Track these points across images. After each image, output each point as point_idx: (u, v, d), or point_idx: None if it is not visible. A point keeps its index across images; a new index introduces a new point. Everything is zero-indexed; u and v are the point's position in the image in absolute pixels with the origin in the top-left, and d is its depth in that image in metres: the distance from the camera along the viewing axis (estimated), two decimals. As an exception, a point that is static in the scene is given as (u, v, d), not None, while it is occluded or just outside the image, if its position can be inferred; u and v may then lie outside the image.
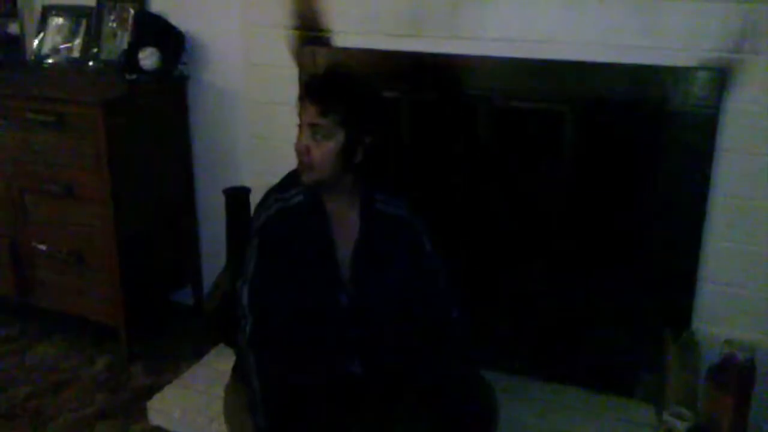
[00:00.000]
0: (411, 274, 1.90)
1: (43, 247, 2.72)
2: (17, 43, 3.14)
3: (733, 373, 2.04)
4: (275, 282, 1.82)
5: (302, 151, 1.79)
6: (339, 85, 1.81)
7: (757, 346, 2.10)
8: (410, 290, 1.89)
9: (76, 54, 2.98)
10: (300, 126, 1.81)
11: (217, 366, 2.53)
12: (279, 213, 1.83)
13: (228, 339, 2.54)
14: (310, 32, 2.45)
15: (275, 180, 2.64)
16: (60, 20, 3.03)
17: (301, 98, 1.81)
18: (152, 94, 2.69)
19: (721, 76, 2.01)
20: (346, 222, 1.87)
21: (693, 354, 2.14)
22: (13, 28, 3.13)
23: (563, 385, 2.40)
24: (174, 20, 2.76)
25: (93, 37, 2.94)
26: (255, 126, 2.63)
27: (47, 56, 3.04)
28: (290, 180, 1.90)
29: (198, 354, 2.64)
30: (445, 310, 1.90)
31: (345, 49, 2.41)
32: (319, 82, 1.82)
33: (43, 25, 3.05)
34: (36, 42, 3.07)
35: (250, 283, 1.82)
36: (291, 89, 2.48)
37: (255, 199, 2.59)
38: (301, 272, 1.83)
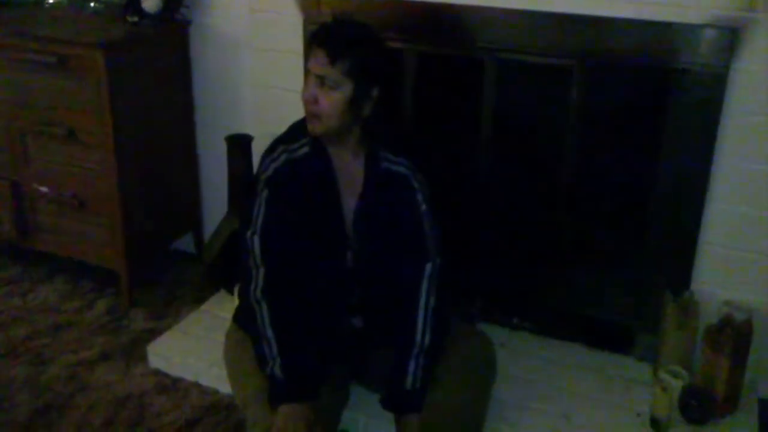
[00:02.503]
0: (407, 230, 1.90)
1: (44, 189, 2.71)
2: (18, -19, 3.08)
3: (730, 334, 2.05)
4: (285, 233, 1.82)
5: (309, 101, 1.77)
6: (348, 32, 1.78)
7: (755, 308, 2.11)
8: (403, 243, 1.90)
9: (77, -6, 2.92)
10: (307, 75, 1.78)
11: (217, 312, 2.55)
12: (286, 163, 1.82)
13: (228, 286, 2.56)
14: (315, -22, 2.40)
15: (278, 128, 2.61)
16: (61, -41, 2.96)
17: (310, 45, 1.78)
18: (154, 38, 2.65)
19: (732, 36, 1.96)
20: (350, 176, 1.87)
21: (692, 314, 2.15)
22: (14, -34, 3.07)
23: (562, 341, 2.42)
24: (177, -38, 2.70)
25: (95, -22, 2.88)
26: (258, 73, 2.59)
27: (48, -5, 2.98)
28: (297, 131, 1.88)
29: (198, 300, 2.66)
30: (429, 257, 1.91)
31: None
32: (327, 29, 1.79)
33: (44, -37, 2.99)
34: (37, -19, 3.01)
35: (261, 234, 1.81)
36: (295, 37, 2.46)
37: (257, 146, 2.58)
38: (309, 224, 1.84)
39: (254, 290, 1.81)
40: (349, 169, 1.87)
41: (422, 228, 1.90)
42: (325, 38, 1.76)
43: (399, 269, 1.89)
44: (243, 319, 1.91)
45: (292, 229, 1.82)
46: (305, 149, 1.83)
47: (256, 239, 1.81)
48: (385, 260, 1.89)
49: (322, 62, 1.73)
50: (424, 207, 1.90)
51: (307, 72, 1.78)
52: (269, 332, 1.78)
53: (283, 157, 1.83)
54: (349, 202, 1.87)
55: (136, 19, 2.61)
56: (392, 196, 1.88)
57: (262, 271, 1.81)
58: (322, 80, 1.74)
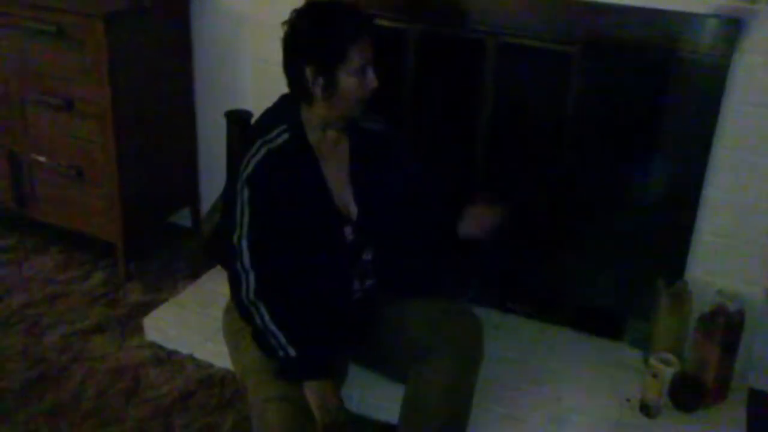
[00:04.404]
0: (401, 182, 1.95)
1: (42, 158, 2.70)
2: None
3: (722, 323, 2.07)
4: (274, 229, 1.80)
5: (374, 90, 1.79)
6: (364, 13, 1.81)
7: (747, 298, 2.12)
8: (403, 196, 1.95)
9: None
10: (364, 66, 1.76)
11: (214, 287, 2.56)
12: (266, 156, 1.78)
13: (224, 263, 2.56)
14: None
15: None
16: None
17: (358, 38, 1.75)
18: (155, 9, 2.62)
19: (735, 26, 1.96)
20: (334, 150, 1.88)
21: (684, 303, 2.16)
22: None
23: (555, 326, 2.44)
24: (180, -67, 2.67)
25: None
26: (260, 48, 2.57)
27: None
28: (270, 120, 1.86)
29: (195, 275, 2.67)
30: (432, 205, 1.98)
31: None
32: (364, 15, 1.80)
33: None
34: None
35: (249, 236, 1.78)
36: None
37: (257, 123, 2.57)
38: (298, 215, 1.83)
39: (246, 293, 1.79)
40: (334, 141, 1.87)
41: (416, 175, 1.97)
42: (369, 26, 1.78)
43: (404, 221, 1.93)
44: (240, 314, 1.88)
45: (281, 224, 1.80)
46: (284, 136, 1.80)
47: (244, 243, 1.78)
48: (388, 216, 1.92)
49: (371, 47, 1.76)
50: (408, 155, 1.99)
51: (363, 65, 1.75)
52: (272, 327, 1.77)
53: (263, 151, 1.79)
54: (339, 177, 1.88)
55: (137, -10, 2.59)
56: (379, 152, 1.92)
57: (252, 274, 1.78)
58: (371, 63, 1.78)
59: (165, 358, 2.35)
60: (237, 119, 2.56)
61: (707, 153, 2.10)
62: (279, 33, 2.49)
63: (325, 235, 1.88)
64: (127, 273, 2.75)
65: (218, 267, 2.63)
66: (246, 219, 1.78)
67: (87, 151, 2.61)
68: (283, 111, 1.85)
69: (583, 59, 2.18)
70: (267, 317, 1.77)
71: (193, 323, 2.42)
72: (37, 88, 2.61)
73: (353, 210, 1.90)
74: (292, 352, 1.75)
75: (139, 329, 2.45)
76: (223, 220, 1.89)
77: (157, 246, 2.93)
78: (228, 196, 1.86)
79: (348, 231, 1.89)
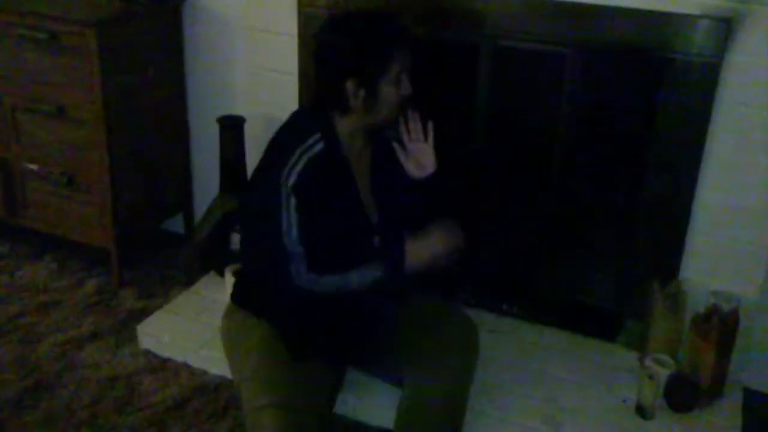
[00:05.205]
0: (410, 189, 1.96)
1: (34, 166, 2.69)
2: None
3: (717, 324, 2.07)
4: (319, 230, 1.80)
5: (409, 96, 1.82)
6: (404, 23, 1.83)
7: (742, 298, 2.13)
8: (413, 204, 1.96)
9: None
10: (400, 74, 1.78)
11: (207, 294, 2.55)
12: (307, 166, 1.77)
13: (218, 268, 2.56)
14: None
15: (271, 110, 2.61)
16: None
17: (400, 50, 1.77)
18: (146, 16, 2.62)
19: (726, 27, 1.97)
20: (359, 159, 1.89)
21: (679, 303, 2.17)
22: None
23: (550, 327, 2.44)
24: (171, -61, 2.67)
25: (87, -47, 2.85)
26: (252, 55, 2.58)
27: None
28: (302, 127, 1.85)
29: (188, 282, 2.66)
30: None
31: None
32: (403, 26, 1.81)
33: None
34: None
35: (300, 239, 1.76)
36: (289, 19, 2.44)
37: (249, 129, 2.58)
38: (336, 223, 1.83)
39: (297, 280, 1.78)
40: (360, 151, 1.90)
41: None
42: (408, 36, 1.80)
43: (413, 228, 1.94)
44: (287, 309, 1.88)
45: (323, 230, 1.80)
46: (320, 145, 1.80)
47: (298, 248, 1.76)
48: (403, 224, 1.93)
49: (409, 55, 1.78)
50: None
51: (399, 73, 1.77)
52: (345, 276, 1.79)
53: (303, 160, 1.78)
54: (364, 184, 1.90)
55: (129, -4, 2.58)
56: (396, 160, 1.95)
57: (303, 266, 1.78)
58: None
59: (159, 365, 2.34)
60: (230, 125, 2.56)
61: (700, 153, 2.10)
62: (270, 40, 2.51)
63: (358, 242, 1.89)
64: (121, 280, 2.74)
65: (212, 273, 2.62)
66: (295, 223, 1.76)
67: (79, 158, 2.60)
68: (315, 119, 1.84)
69: (575, 61, 2.18)
70: (332, 279, 1.79)
71: (188, 330, 2.41)
72: (28, 94, 2.60)
73: (373, 217, 1.90)
74: (376, 263, 1.79)
75: (133, 337, 2.44)
76: (252, 227, 1.88)
77: (150, 253, 2.92)
78: (255, 203, 1.85)
79: (377, 240, 1.90)
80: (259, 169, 1.87)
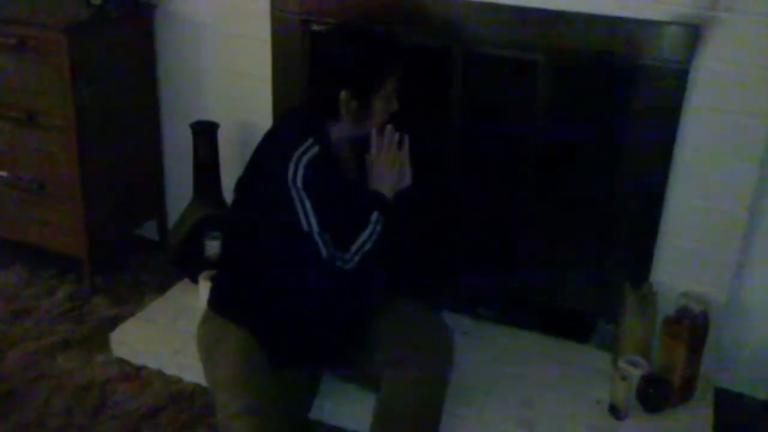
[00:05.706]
0: None
1: (4, 173, 2.66)
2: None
3: (687, 325, 2.10)
4: (330, 221, 1.85)
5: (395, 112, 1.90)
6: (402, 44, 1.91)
7: (711, 299, 2.16)
8: None
9: (39, -26, 2.85)
10: (392, 93, 1.87)
11: (181, 300, 2.53)
12: (310, 164, 1.80)
13: (192, 275, 2.54)
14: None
15: (244, 116, 2.61)
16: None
17: (396, 68, 1.86)
18: (118, 21, 2.60)
19: (694, 33, 2.00)
20: (345, 163, 1.95)
21: (651, 305, 2.19)
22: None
23: (524, 330, 2.45)
24: (142, -56, 2.65)
25: (57, -43, 2.82)
26: (225, 60, 2.57)
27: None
28: (301, 129, 1.87)
29: (162, 288, 2.64)
30: None
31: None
32: (401, 47, 1.89)
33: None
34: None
35: (320, 228, 1.80)
36: (262, 23, 2.44)
37: (223, 133, 2.56)
38: (338, 208, 1.88)
39: (334, 263, 1.83)
40: (347, 151, 1.96)
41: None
42: (405, 57, 1.87)
43: None
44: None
45: (330, 211, 1.85)
46: (315, 149, 1.82)
47: (324, 234, 1.81)
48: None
49: (402, 74, 1.87)
50: None
51: (392, 91, 1.87)
52: (363, 244, 1.86)
53: (304, 160, 1.81)
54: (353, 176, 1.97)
55: (99, 1, 2.56)
56: None
57: (333, 250, 1.83)
58: None
59: (133, 373, 2.32)
60: (203, 131, 2.55)
61: (670, 157, 2.13)
62: (243, 45, 2.50)
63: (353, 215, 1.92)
64: (93, 287, 2.71)
65: (186, 280, 2.61)
66: (314, 218, 1.79)
67: (50, 165, 2.57)
68: (309, 124, 1.87)
69: (547, 67, 2.20)
70: (357, 244, 1.86)
71: (162, 337, 2.39)
72: (-3, 101, 2.57)
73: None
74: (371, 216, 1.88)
75: (106, 344, 2.41)
76: (267, 231, 1.88)
77: (123, 259, 2.89)
78: (264, 207, 1.87)
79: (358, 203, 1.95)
80: (256, 176, 1.90)
